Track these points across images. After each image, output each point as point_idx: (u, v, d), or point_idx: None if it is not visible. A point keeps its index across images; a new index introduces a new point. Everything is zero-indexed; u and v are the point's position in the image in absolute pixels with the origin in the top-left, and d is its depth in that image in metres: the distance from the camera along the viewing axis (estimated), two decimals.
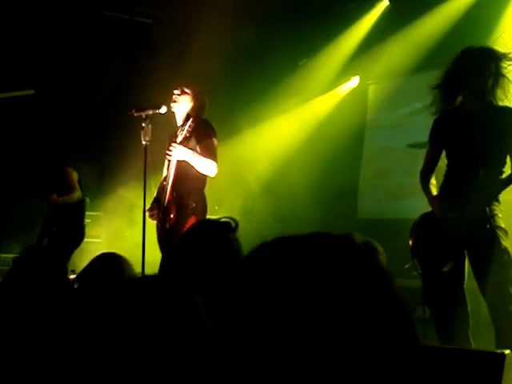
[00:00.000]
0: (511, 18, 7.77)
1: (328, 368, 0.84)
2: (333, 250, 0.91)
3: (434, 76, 4.58)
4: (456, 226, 4.26)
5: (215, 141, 5.57)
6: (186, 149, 5.37)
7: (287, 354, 0.85)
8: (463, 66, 4.35)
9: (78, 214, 7.60)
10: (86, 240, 8.41)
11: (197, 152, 5.42)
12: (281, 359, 0.85)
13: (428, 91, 4.55)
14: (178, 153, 5.37)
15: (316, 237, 0.94)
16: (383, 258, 3.08)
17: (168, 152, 5.45)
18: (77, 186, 7.49)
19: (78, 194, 7.48)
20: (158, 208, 5.62)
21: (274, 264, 0.90)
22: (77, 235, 7.55)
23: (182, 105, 5.61)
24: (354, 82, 10.28)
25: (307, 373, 0.84)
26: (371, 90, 10.28)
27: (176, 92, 5.61)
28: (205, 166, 5.42)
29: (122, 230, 9.05)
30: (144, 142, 5.64)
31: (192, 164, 5.39)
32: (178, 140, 5.45)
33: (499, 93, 4.29)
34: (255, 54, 9.44)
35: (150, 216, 5.63)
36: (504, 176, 4.32)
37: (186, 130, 5.44)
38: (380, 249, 3.08)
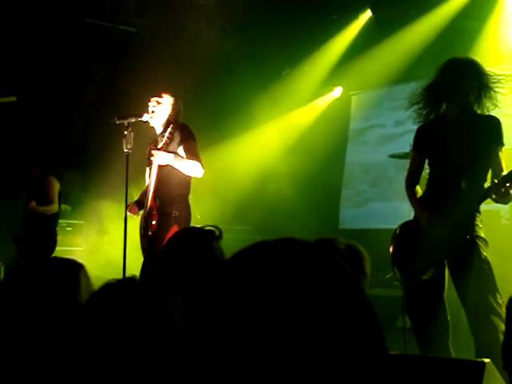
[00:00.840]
0: (493, 29, 7.85)
1: (297, 376, 0.84)
2: (301, 255, 0.92)
3: (417, 87, 4.62)
4: (437, 235, 4.29)
5: (195, 143, 5.57)
6: (168, 153, 5.36)
7: (257, 358, 0.85)
8: (447, 77, 4.39)
9: (52, 225, 7.54)
10: (66, 248, 8.37)
11: (179, 155, 5.41)
12: (251, 364, 0.85)
13: (411, 102, 4.59)
14: (161, 158, 5.36)
15: (287, 242, 0.95)
16: (367, 263, 3.07)
17: (150, 158, 5.44)
18: (56, 198, 7.45)
19: (55, 208, 7.45)
20: (139, 209, 5.62)
21: (249, 270, 0.91)
22: (49, 245, 7.48)
23: (159, 115, 5.62)
24: (337, 92, 10.33)
25: (277, 380, 0.84)
26: (354, 101, 10.34)
27: (152, 104, 5.62)
28: (189, 167, 5.41)
29: (103, 238, 9.01)
30: (126, 150, 5.62)
31: (176, 167, 5.38)
32: (159, 145, 5.45)
33: (486, 103, 4.32)
34: (238, 63, 9.46)
35: (129, 210, 5.62)
36: (486, 186, 4.35)
37: (166, 136, 5.44)
38: (364, 253, 3.08)
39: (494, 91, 4.30)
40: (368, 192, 9.76)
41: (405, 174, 4.79)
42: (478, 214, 4.34)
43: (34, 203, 7.28)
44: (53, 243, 7.53)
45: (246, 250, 0.96)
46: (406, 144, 7.23)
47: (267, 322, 0.85)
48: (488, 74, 4.33)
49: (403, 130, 8.89)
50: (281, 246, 0.95)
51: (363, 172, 9.89)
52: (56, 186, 7.48)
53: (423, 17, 8.48)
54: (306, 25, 9.18)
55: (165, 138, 5.44)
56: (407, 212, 7.48)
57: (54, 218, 7.52)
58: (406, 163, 6.52)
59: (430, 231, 4.34)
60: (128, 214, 5.64)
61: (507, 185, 4.02)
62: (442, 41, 8.17)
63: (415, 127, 4.70)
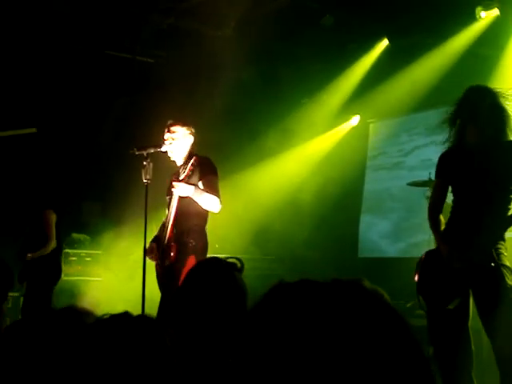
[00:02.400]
0: (510, 56, 7.84)
1: None
2: (350, 296, 0.91)
3: (433, 115, 4.63)
4: (456, 268, 4.26)
5: (216, 177, 5.57)
6: (189, 185, 5.37)
7: None
8: (466, 104, 4.40)
9: (53, 259, 7.39)
10: (86, 278, 8.37)
11: (199, 188, 5.42)
12: None
13: (430, 129, 4.59)
14: (181, 189, 5.36)
15: (334, 284, 0.94)
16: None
17: (171, 189, 5.45)
18: (53, 233, 7.32)
19: (53, 244, 7.32)
20: (158, 248, 5.59)
21: (295, 307, 0.90)
22: (55, 273, 7.39)
23: (177, 149, 5.63)
24: (355, 120, 10.35)
25: None
26: (371, 129, 10.34)
27: (168, 142, 5.62)
28: (208, 201, 5.41)
29: (121, 270, 9.01)
30: (145, 181, 5.64)
31: (195, 200, 5.38)
32: (181, 177, 5.45)
33: (504, 128, 4.31)
34: (256, 93, 9.50)
35: (150, 258, 5.59)
36: (510, 213, 4.32)
37: (188, 167, 5.44)
38: (386, 296, 3.06)
39: (509, 115, 4.31)
40: (386, 220, 9.72)
41: (424, 201, 4.77)
42: (502, 242, 4.30)
43: (29, 255, 7.15)
44: (57, 274, 7.42)
45: (269, 297, 0.94)
46: (424, 172, 7.22)
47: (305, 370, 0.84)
48: (503, 94, 4.35)
49: (422, 157, 8.89)
50: (333, 286, 0.94)
51: (382, 200, 9.86)
52: (53, 218, 7.36)
53: (440, 45, 8.50)
54: (323, 53, 9.22)
55: (187, 170, 5.44)
56: (425, 240, 7.47)
57: (53, 254, 7.39)
58: (425, 191, 6.50)
59: (449, 264, 4.30)
60: (150, 260, 5.62)
61: None
62: (459, 69, 8.18)
63: (434, 155, 4.69)
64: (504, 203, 4.35)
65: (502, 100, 4.35)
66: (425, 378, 0.88)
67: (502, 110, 4.33)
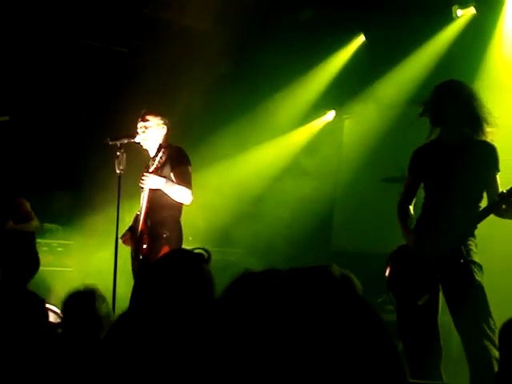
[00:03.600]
0: (493, 54, 7.87)
1: None
2: (314, 284, 0.90)
3: (409, 111, 4.65)
4: (431, 260, 4.27)
5: (189, 168, 5.54)
6: (159, 177, 5.33)
7: None
8: (441, 101, 4.40)
9: (33, 241, 7.39)
10: (57, 269, 8.29)
11: (170, 180, 5.38)
12: None
13: (407, 125, 4.60)
14: (151, 181, 5.33)
15: (300, 271, 0.93)
16: (359, 291, 3.04)
17: (141, 181, 5.41)
18: (33, 215, 7.31)
19: (36, 223, 7.33)
20: (132, 236, 5.57)
21: (259, 296, 0.89)
22: (33, 263, 7.33)
23: (150, 138, 5.59)
24: (330, 115, 10.36)
25: None
26: (347, 124, 10.36)
27: (141, 130, 5.59)
28: (179, 193, 5.38)
29: (93, 260, 8.94)
30: (118, 171, 5.61)
31: (165, 192, 5.36)
32: (151, 169, 5.41)
33: (482, 127, 4.32)
34: (232, 85, 9.47)
35: (123, 241, 5.59)
36: (479, 211, 4.35)
37: (157, 160, 5.41)
38: (356, 281, 3.06)
39: (488, 113, 4.32)
40: (360, 216, 9.74)
41: (397, 197, 4.78)
42: (472, 238, 4.33)
43: (10, 222, 7.10)
44: (36, 261, 7.37)
45: (240, 283, 0.93)
46: (398, 168, 7.24)
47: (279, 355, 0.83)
48: (480, 101, 4.36)
49: (395, 153, 8.91)
50: (296, 274, 0.92)
51: (356, 195, 9.88)
52: (28, 205, 7.33)
53: (417, 42, 8.52)
54: (299, 47, 9.20)
55: (156, 162, 5.41)
56: (399, 236, 7.49)
57: (32, 235, 7.38)
58: (399, 187, 6.53)
59: (416, 252, 4.33)
60: (122, 243, 5.60)
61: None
62: (438, 65, 8.21)
63: (408, 151, 4.71)
64: (474, 200, 4.38)
65: (475, 97, 4.36)
66: (395, 367, 0.87)
67: (474, 108, 4.34)
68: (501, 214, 4.25)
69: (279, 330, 0.85)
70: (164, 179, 5.33)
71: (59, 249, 9.08)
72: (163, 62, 9.09)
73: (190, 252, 2.65)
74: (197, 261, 2.60)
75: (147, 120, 5.62)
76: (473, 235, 4.35)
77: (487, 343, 4.05)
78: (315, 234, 9.57)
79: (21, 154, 8.96)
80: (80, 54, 9.42)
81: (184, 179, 5.43)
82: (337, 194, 10.18)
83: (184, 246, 5.53)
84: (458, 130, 4.40)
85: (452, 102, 4.35)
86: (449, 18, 8.17)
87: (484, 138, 4.36)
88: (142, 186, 5.43)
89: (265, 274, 0.93)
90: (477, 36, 8.03)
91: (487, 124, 4.33)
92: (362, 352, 0.85)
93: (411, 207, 4.70)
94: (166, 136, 5.66)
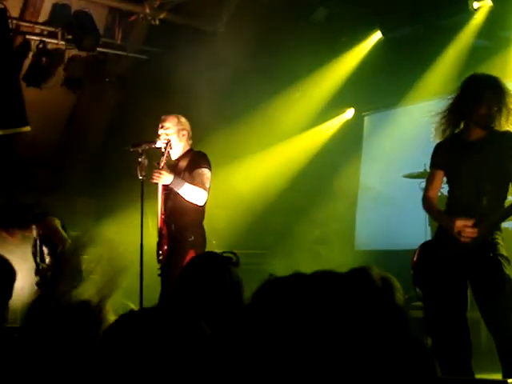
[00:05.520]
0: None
1: None
2: (349, 288, 0.90)
3: (428, 106, 4.62)
4: (459, 254, 4.24)
5: (207, 170, 5.54)
6: (169, 174, 5.38)
7: None
8: (467, 93, 4.36)
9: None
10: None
11: (182, 180, 5.41)
12: None
13: (433, 119, 4.55)
14: (160, 177, 5.37)
15: (330, 275, 0.93)
16: (400, 294, 3.02)
17: (152, 176, 5.43)
18: (62, 234, 6.72)
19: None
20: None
21: (289, 302, 0.89)
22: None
23: (173, 143, 5.61)
24: (349, 113, 10.33)
25: None
26: (366, 121, 10.33)
27: (162, 137, 5.62)
28: (191, 193, 5.39)
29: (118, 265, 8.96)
30: (140, 177, 5.64)
31: (176, 190, 5.38)
32: (160, 165, 5.45)
33: (502, 121, 4.28)
34: (250, 88, 9.48)
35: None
36: (506, 203, 4.31)
37: (165, 154, 5.47)
38: (397, 284, 3.04)
39: (510, 108, 4.27)
40: (383, 213, 9.71)
41: (420, 193, 4.75)
42: (498, 232, 4.28)
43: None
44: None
45: (283, 284, 0.93)
46: (419, 164, 7.21)
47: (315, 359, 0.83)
48: (508, 93, 4.30)
49: (418, 149, 8.86)
50: (327, 278, 0.92)
51: (378, 192, 9.85)
52: (58, 225, 6.76)
53: (434, 37, 8.47)
54: (315, 47, 9.17)
55: (164, 156, 5.46)
56: (422, 232, 7.45)
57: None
58: (421, 183, 6.50)
59: (457, 237, 4.24)
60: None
61: None
62: (456, 61, 8.17)
63: (430, 146, 4.67)
64: (499, 193, 4.34)
65: (505, 93, 4.30)
66: (427, 369, 0.88)
67: (505, 106, 4.29)
68: None
69: (308, 335, 0.85)
70: (173, 176, 5.36)
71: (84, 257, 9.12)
72: (180, 67, 9.12)
73: (219, 255, 2.67)
74: (226, 264, 2.62)
75: (167, 127, 5.65)
76: (499, 229, 4.31)
77: None
78: (339, 233, 9.55)
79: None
80: (99, 61, 9.46)
81: (200, 180, 5.44)
82: (359, 192, 10.15)
83: (210, 250, 5.54)
84: (482, 123, 4.35)
85: (478, 95, 4.31)
86: (465, 10, 8.12)
87: (507, 128, 4.30)
88: (153, 182, 5.45)
89: (290, 279, 0.93)
90: (495, 28, 7.99)
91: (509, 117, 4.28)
92: (393, 356, 0.85)
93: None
94: (187, 140, 5.69)
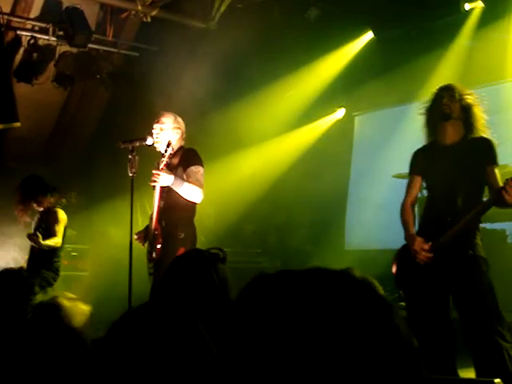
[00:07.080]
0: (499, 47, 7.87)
1: None
2: (336, 285, 0.90)
3: (420, 107, 4.72)
4: (438, 254, 4.31)
5: (201, 168, 5.55)
6: (168, 174, 5.36)
7: None
8: (437, 104, 4.49)
9: (55, 258, 6.97)
10: (72, 273, 8.32)
11: (180, 178, 5.41)
12: None
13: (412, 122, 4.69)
14: (161, 179, 5.36)
15: (318, 272, 0.93)
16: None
17: (152, 178, 5.42)
18: (61, 232, 6.88)
19: (58, 243, 6.86)
20: (145, 237, 5.61)
21: (277, 298, 0.89)
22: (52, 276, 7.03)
23: (163, 139, 5.60)
24: (340, 113, 10.35)
25: None
26: (357, 121, 10.35)
27: (156, 132, 5.61)
28: (189, 191, 5.40)
29: (108, 263, 8.97)
30: (131, 174, 5.63)
31: (175, 189, 5.38)
32: (161, 167, 5.43)
33: (476, 124, 4.42)
34: (242, 85, 9.49)
35: (137, 238, 5.62)
36: (480, 203, 4.39)
37: (167, 156, 5.44)
38: (378, 287, 3.07)
39: (478, 109, 4.40)
40: (372, 212, 9.73)
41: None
42: (477, 232, 4.38)
43: (39, 238, 6.68)
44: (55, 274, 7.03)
45: (270, 279, 0.93)
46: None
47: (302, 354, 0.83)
48: (468, 94, 4.43)
49: (406, 149, 8.88)
50: (315, 274, 0.92)
51: (367, 192, 9.87)
52: (63, 220, 6.96)
53: (425, 37, 8.50)
54: (307, 45, 9.19)
55: (165, 158, 5.44)
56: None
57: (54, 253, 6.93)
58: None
59: (413, 255, 4.37)
60: (136, 241, 5.63)
61: None
62: (445, 63, 8.20)
63: (419, 146, 4.76)
64: (474, 195, 4.43)
65: (470, 99, 4.44)
66: (414, 368, 0.88)
67: (470, 109, 4.42)
68: (502, 206, 4.26)
69: (297, 332, 0.85)
70: (173, 176, 5.35)
71: (74, 253, 9.12)
72: (171, 64, 9.11)
73: (205, 252, 2.67)
74: (213, 261, 2.62)
75: (163, 122, 5.64)
76: (477, 228, 4.40)
77: (495, 336, 4.06)
78: (328, 231, 9.57)
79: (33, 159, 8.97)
80: (90, 58, 9.44)
81: (195, 178, 5.45)
82: (349, 191, 10.17)
83: (199, 246, 5.54)
84: (456, 130, 4.48)
85: (450, 105, 4.44)
86: (456, 11, 8.15)
87: (481, 134, 4.42)
88: (152, 184, 5.44)
89: (280, 276, 0.93)
90: (485, 29, 8.02)
91: (482, 123, 4.41)
92: (382, 353, 0.85)
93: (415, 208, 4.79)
94: (180, 139, 5.68)
